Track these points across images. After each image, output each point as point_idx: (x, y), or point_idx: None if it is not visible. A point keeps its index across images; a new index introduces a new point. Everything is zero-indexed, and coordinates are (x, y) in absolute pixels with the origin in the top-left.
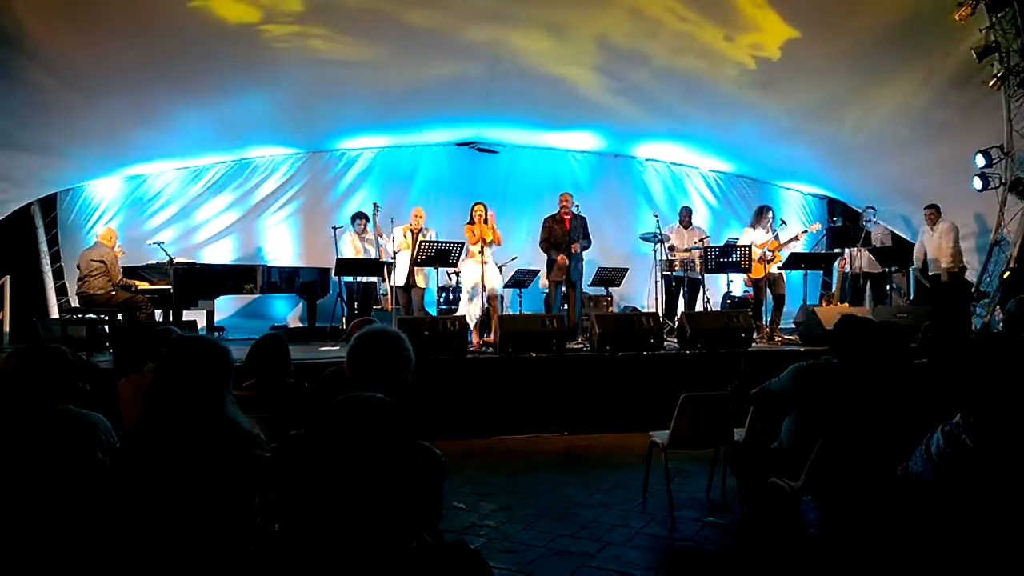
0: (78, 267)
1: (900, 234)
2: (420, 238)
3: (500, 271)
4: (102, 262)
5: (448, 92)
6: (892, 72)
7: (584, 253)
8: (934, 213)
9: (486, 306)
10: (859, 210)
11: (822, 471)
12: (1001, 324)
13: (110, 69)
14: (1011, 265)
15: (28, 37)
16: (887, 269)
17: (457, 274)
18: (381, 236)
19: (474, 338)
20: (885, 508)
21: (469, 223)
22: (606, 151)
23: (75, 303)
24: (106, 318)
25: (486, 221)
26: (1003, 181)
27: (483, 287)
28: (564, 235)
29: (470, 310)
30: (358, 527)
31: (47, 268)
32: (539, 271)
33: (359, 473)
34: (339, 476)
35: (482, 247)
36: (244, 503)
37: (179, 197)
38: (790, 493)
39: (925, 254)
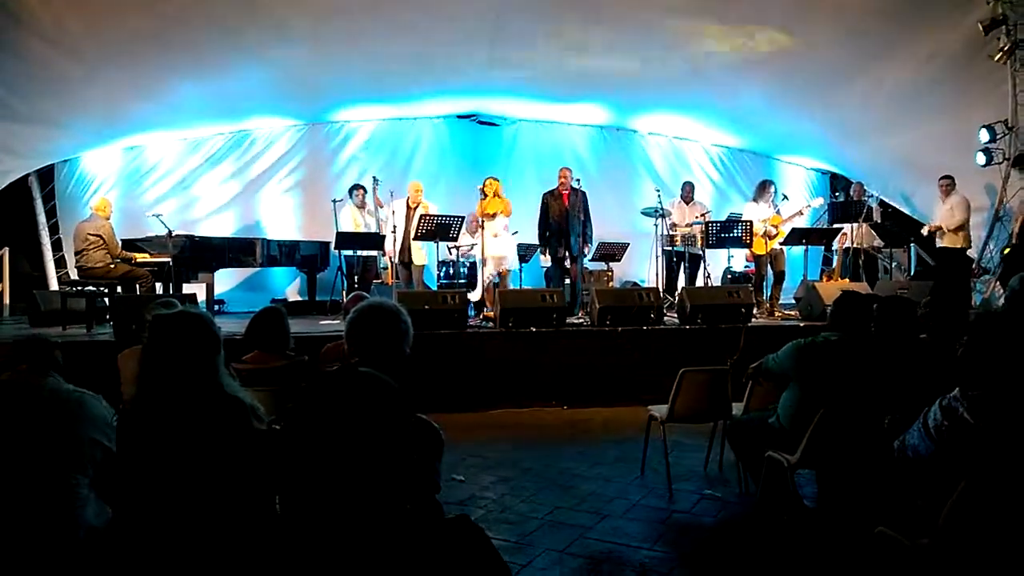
0: (75, 240)
1: (901, 208)
2: (420, 211)
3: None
4: (99, 235)
5: (449, 63)
6: (898, 45)
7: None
8: (948, 184)
9: (495, 280)
10: (852, 181)
11: (820, 444)
12: (1002, 300)
13: (107, 38)
14: (1012, 241)
15: (23, 6)
16: (872, 246)
17: (458, 248)
18: (381, 206)
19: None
20: (881, 481)
21: (482, 198)
22: (608, 125)
23: (74, 275)
24: (106, 291)
25: (497, 194)
26: (1006, 157)
27: (483, 261)
28: (562, 212)
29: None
30: (350, 501)
31: (46, 240)
32: (539, 246)
33: (346, 448)
34: (326, 451)
35: (483, 221)
36: (244, 476)
37: (177, 169)
38: (787, 467)
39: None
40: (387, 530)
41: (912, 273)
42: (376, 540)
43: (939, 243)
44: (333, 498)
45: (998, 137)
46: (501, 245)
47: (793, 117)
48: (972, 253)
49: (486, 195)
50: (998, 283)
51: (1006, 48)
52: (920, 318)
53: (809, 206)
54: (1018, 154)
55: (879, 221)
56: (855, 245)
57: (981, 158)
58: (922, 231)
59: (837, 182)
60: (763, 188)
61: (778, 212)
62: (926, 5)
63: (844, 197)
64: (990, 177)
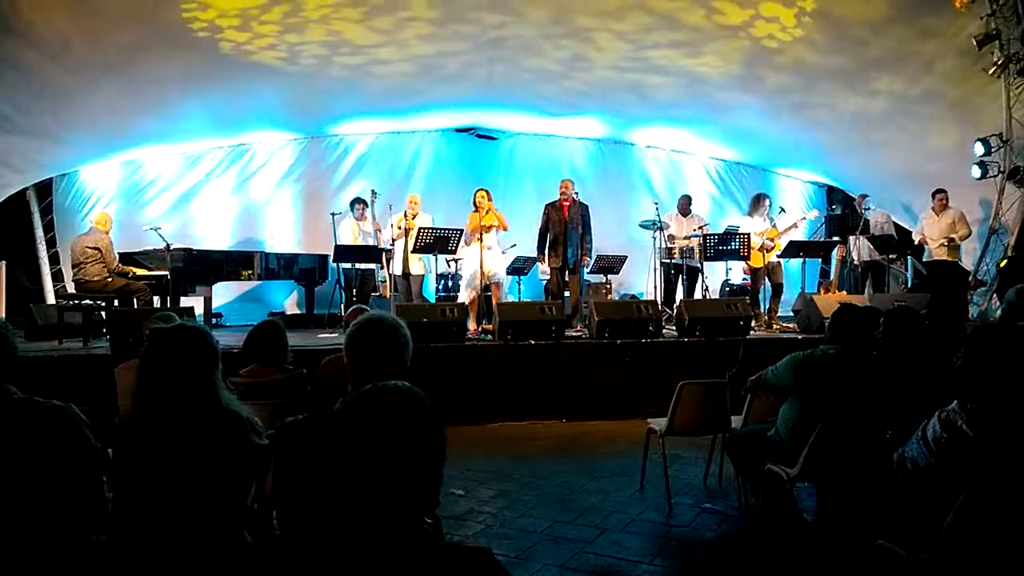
0: (72, 253)
1: (899, 222)
2: (417, 224)
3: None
4: (97, 249)
5: (448, 77)
6: (894, 58)
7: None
8: (944, 199)
9: (487, 293)
10: (854, 197)
11: (819, 457)
12: (999, 312)
13: (107, 53)
14: (1008, 253)
15: (23, 20)
16: (885, 257)
17: (456, 261)
18: (380, 230)
19: (471, 325)
20: (882, 494)
21: (474, 211)
22: (606, 138)
23: (71, 289)
24: (103, 304)
25: (491, 207)
26: (1002, 170)
27: (481, 273)
28: (561, 222)
29: (468, 296)
30: (381, 520)
31: (43, 254)
32: (537, 259)
33: (387, 465)
34: (364, 466)
35: (481, 234)
36: (241, 491)
37: (176, 183)
38: (787, 480)
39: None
40: (406, 548)
41: (910, 285)
42: (395, 558)
43: (928, 256)
44: (358, 515)
45: (993, 150)
46: (494, 258)
47: (789, 130)
48: (962, 265)
49: (477, 207)
50: (995, 295)
51: (999, 62)
52: None
53: (804, 218)
54: (1013, 167)
55: (892, 233)
56: (865, 257)
57: (976, 171)
58: (911, 237)
59: (834, 195)
60: (757, 201)
61: (774, 225)
62: (921, 19)
63: (841, 210)
64: (984, 189)
